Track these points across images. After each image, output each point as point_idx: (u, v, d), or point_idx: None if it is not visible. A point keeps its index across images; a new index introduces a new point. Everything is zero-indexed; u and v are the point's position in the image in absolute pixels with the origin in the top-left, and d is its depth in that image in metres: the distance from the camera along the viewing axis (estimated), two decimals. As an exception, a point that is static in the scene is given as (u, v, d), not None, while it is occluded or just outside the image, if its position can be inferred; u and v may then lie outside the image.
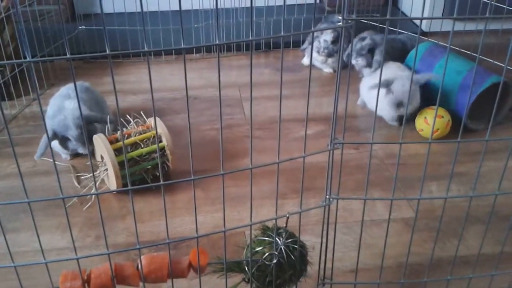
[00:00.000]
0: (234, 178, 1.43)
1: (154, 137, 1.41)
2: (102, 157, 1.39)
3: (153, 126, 1.44)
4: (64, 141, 1.48)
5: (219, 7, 2.25)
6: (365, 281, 1.08)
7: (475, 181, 0.93)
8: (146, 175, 1.39)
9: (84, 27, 2.27)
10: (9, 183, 1.42)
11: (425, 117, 1.60)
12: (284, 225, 0.87)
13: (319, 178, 1.42)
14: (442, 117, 1.58)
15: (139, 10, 2.14)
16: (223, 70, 2.09)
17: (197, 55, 2.24)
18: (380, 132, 1.70)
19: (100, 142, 1.34)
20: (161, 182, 0.71)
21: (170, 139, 1.41)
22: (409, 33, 2.13)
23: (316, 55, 2.02)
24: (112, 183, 1.35)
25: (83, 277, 0.75)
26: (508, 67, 1.93)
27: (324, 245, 0.89)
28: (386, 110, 1.66)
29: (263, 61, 2.21)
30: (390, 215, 0.88)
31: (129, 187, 0.69)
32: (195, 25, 2.22)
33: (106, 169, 1.37)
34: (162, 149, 1.42)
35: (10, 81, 1.80)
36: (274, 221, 0.87)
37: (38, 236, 0.73)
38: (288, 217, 0.84)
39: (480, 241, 1.20)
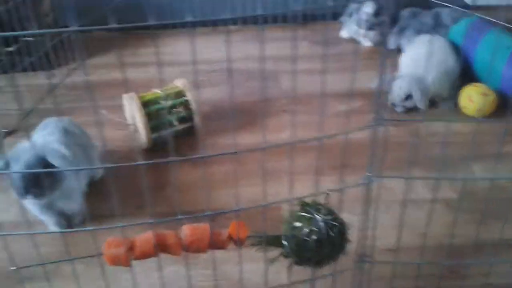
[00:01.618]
0: (269, 152, 1.42)
1: (178, 92, 1.46)
2: (132, 117, 1.42)
3: (185, 93, 1.47)
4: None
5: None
6: (404, 260, 1.06)
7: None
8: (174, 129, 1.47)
9: (122, -2, 2.27)
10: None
11: (469, 95, 1.54)
12: (324, 202, 0.86)
13: (356, 155, 1.39)
14: (487, 95, 1.52)
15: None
16: (258, 43, 2.06)
17: (234, 27, 2.21)
18: (420, 110, 1.65)
19: (132, 103, 1.39)
20: (200, 155, 0.71)
21: (194, 94, 1.46)
22: (451, 6, 2.04)
23: (356, 28, 1.96)
24: (143, 139, 1.41)
25: (127, 244, 0.77)
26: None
27: (364, 223, 0.88)
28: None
29: (300, 34, 2.17)
30: (436, 195, 0.85)
31: (171, 158, 0.69)
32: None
33: (136, 129, 1.43)
34: (186, 104, 1.46)
35: (51, 50, 1.83)
36: (313, 197, 0.87)
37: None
38: (327, 194, 0.83)
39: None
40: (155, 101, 1.44)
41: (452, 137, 1.49)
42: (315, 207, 0.88)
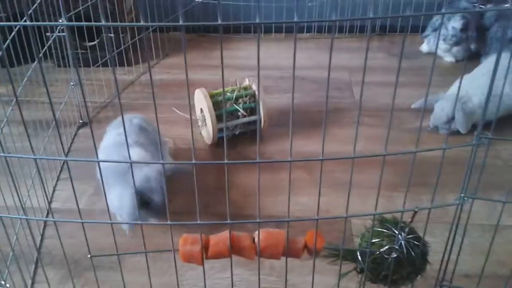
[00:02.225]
0: (341, 163, 1.39)
1: (245, 87, 1.48)
2: (201, 110, 1.44)
3: (251, 86, 1.49)
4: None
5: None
6: (484, 289, 0.99)
7: None
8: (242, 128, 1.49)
9: (200, 0, 2.31)
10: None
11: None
12: (409, 220, 0.81)
13: (431, 174, 1.33)
14: None
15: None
16: (333, 52, 2.03)
17: (307, 34, 2.20)
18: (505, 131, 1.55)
19: (200, 95, 1.41)
20: (258, 160, 0.69)
21: (266, 101, 1.46)
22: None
23: (441, 43, 1.88)
24: (209, 135, 1.43)
25: (203, 242, 0.76)
26: None
27: (449, 246, 0.83)
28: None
29: (376, 45, 2.11)
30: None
31: (225, 161, 0.68)
32: (309, 4, 2.17)
33: (205, 122, 1.45)
34: (253, 95, 1.47)
35: (130, 48, 1.89)
36: (394, 214, 0.82)
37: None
38: (416, 212, 0.78)
39: None
40: (221, 93, 1.46)
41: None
42: (396, 224, 0.83)
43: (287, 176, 1.34)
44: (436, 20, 1.96)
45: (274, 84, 1.83)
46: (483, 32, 1.86)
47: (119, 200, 1.01)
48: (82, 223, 0.73)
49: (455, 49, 1.87)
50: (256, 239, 0.78)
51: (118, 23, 1.86)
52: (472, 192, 0.78)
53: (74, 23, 1.23)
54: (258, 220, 0.73)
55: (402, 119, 1.61)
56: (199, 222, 0.72)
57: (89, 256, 0.75)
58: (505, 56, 0.73)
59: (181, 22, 0.59)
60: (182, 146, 1.50)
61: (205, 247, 0.78)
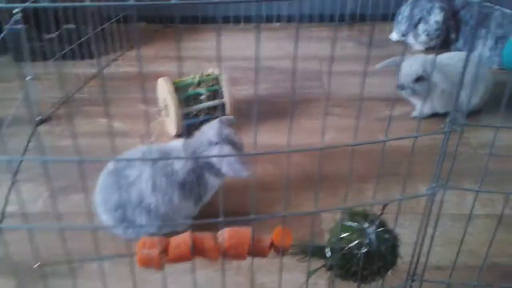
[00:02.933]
0: (310, 155, 1.35)
1: (208, 74, 1.43)
2: (165, 100, 1.40)
3: (215, 73, 1.45)
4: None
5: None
6: (454, 280, 0.97)
7: None
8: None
9: (165, -10, 2.25)
10: (85, 141, 1.43)
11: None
12: (379, 212, 0.78)
13: (403, 163, 1.31)
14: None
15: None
16: (301, 41, 1.99)
17: (277, 24, 2.15)
18: (475, 119, 1.55)
19: (162, 83, 1.36)
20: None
21: (229, 85, 1.41)
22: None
23: (424, 38, 1.86)
24: (173, 123, 1.38)
25: (161, 245, 0.71)
26: None
27: (420, 238, 0.80)
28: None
29: (346, 34, 2.09)
30: (502, 211, 0.77)
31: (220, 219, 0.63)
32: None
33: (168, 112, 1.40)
34: (220, 92, 1.43)
35: (92, 39, 1.80)
36: (364, 206, 0.79)
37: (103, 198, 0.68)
38: (386, 205, 0.75)
39: None
40: (185, 80, 1.42)
41: (506, 150, 1.39)
42: (367, 217, 0.80)
43: (256, 170, 1.31)
44: (404, 9, 1.94)
45: (242, 75, 1.78)
46: (456, 17, 1.86)
47: None
48: (29, 229, 0.67)
49: (433, 41, 1.86)
50: (220, 239, 0.74)
51: (101, 3, 1.77)
52: (443, 181, 0.75)
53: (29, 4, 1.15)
54: (220, 219, 0.69)
55: (372, 108, 1.59)
56: (221, 219, 0.67)
57: (35, 265, 0.69)
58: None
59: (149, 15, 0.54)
60: (148, 140, 1.44)
61: (166, 250, 0.73)
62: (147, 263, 0.72)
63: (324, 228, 1.10)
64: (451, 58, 1.47)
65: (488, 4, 1.95)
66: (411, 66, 1.42)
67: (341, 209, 0.72)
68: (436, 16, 1.82)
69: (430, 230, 1.11)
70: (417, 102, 1.53)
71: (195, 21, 2.13)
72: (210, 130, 1.05)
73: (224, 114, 1.44)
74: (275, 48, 1.96)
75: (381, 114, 1.57)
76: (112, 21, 1.87)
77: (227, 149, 1.02)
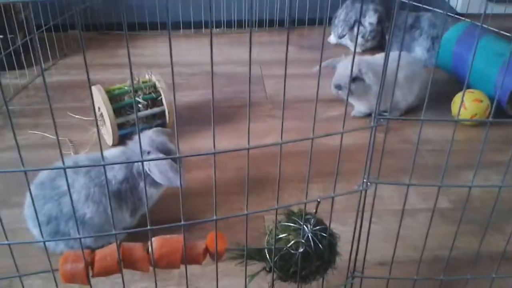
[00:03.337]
0: (253, 158, 1.33)
1: (145, 81, 1.39)
2: (99, 108, 1.34)
3: (151, 79, 1.40)
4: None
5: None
6: (398, 275, 0.97)
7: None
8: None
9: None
10: (15, 154, 1.34)
11: (463, 102, 1.47)
12: (314, 211, 0.77)
13: (343, 161, 1.31)
14: (481, 101, 1.45)
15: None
16: (242, 46, 1.98)
17: (217, 29, 2.13)
18: (411, 115, 1.58)
19: (95, 91, 1.30)
20: (178, 155, 0.62)
21: (168, 92, 1.37)
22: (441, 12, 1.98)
23: (360, 40, 1.89)
24: (109, 133, 1.33)
25: (86, 259, 0.67)
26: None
27: (357, 234, 0.79)
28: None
29: (285, 38, 2.09)
30: (435, 204, 0.77)
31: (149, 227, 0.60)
32: (216, -2, 2.12)
33: (104, 121, 1.34)
34: (159, 100, 1.38)
35: (21, 49, 1.71)
36: (300, 206, 0.77)
37: (36, 213, 0.63)
38: (319, 202, 0.74)
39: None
40: (119, 88, 1.37)
41: (444, 145, 1.42)
42: (303, 216, 0.79)
43: (197, 176, 1.28)
44: (340, 13, 1.97)
45: (184, 81, 1.74)
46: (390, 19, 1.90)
47: None
48: None
49: (369, 43, 1.90)
50: (149, 249, 0.70)
51: None
52: (375, 176, 0.74)
53: None
54: (148, 227, 0.65)
55: (313, 110, 1.59)
56: (149, 228, 0.63)
57: None
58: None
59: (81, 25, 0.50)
60: (82, 150, 1.37)
61: (92, 263, 0.68)
62: (71, 278, 0.67)
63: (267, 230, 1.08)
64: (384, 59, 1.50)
65: (418, 4, 2.02)
66: (347, 67, 1.43)
67: (272, 209, 0.69)
68: (370, 18, 1.86)
69: (373, 226, 1.12)
70: (354, 102, 1.55)
71: (132, 28, 2.07)
72: (143, 139, 1.01)
73: (164, 122, 1.39)
74: (216, 53, 1.93)
75: (322, 115, 1.58)
76: (42, 29, 1.79)
77: (164, 161, 0.99)
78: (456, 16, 2.12)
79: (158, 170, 0.97)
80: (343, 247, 0.85)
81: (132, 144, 1.03)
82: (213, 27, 2.09)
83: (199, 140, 1.43)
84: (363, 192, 0.75)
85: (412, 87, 1.51)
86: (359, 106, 1.55)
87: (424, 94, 1.56)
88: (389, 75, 1.42)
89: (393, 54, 1.56)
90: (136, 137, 1.05)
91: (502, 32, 1.92)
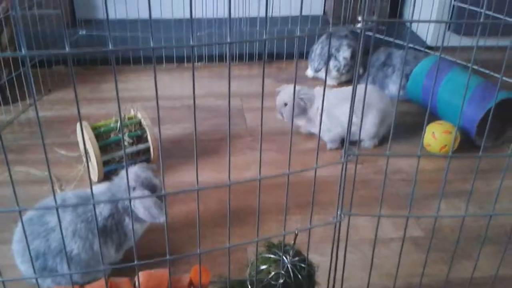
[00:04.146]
0: (234, 191, 1.38)
1: (130, 117, 1.43)
2: (84, 145, 1.37)
3: (137, 116, 1.44)
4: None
5: (220, 16, 2.22)
6: (373, 303, 1.02)
7: (495, 201, 0.87)
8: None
9: (84, 32, 2.23)
10: (1, 191, 1.37)
11: (433, 132, 1.55)
12: (292, 242, 0.82)
13: (321, 192, 1.38)
14: (450, 132, 1.54)
15: (141, 17, 2.10)
16: (223, 79, 2.05)
17: (199, 63, 2.20)
18: (385, 147, 1.65)
19: (83, 130, 1.33)
20: (164, 192, 0.66)
21: (152, 129, 1.41)
22: (414, 47, 2.09)
23: (335, 74, 1.99)
24: (95, 170, 1.36)
25: (75, 295, 0.70)
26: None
27: (333, 264, 0.84)
28: None
29: (265, 72, 2.17)
30: (405, 234, 0.83)
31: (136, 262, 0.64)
32: (198, 34, 2.19)
33: (89, 160, 1.38)
34: (144, 137, 1.42)
35: (7, 85, 1.75)
36: (280, 238, 0.82)
37: (29, 249, 0.67)
38: (297, 234, 0.79)
39: (490, 262, 1.15)
40: (105, 125, 1.40)
41: (419, 174, 1.49)
42: (282, 248, 0.83)
43: (181, 210, 1.32)
44: (316, 48, 2.06)
45: (166, 115, 1.79)
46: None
47: None
48: None
49: (343, 76, 2.00)
50: (136, 283, 0.74)
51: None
52: (348, 209, 0.80)
53: None
54: (135, 263, 0.69)
55: (293, 142, 1.65)
56: (136, 263, 0.66)
57: None
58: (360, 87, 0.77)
59: (67, 49, 0.55)
60: (69, 186, 1.40)
61: (81, 298, 0.72)
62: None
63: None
64: (341, 91, 1.64)
65: (389, 39, 2.13)
66: (281, 96, 1.63)
67: (252, 242, 0.74)
68: (344, 53, 1.96)
69: (349, 256, 1.17)
70: (323, 135, 1.62)
71: (115, 62, 2.12)
72: (128, 175, 1.05)
73: (149, 158, 1.44)
74: (197, 87, 1.99)
75: (300, 147, 1.64)
76: (28, 65, 1.82)
77: (145, 193, 1.03)
78: (426, 50, 2.24)
79: (143, 207, 1.00)
80: (322, 277, 0.89)
81: (118, 180, 1.07)
82: (195, 62, 2.17)
83: (182, 173, 1.47)
84: (338, 224, 0.80)
85: (370, 118, 1.58)
86: (325, 137, 1.62)
87: (392, 125, 1.65)
88: (334, 107, 1.56)
89: (359, 88, 1.67)
90: (122, 172, 1.10)
91: (469, 65, 2.03)
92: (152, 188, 1.05)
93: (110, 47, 0.56)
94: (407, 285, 1.11)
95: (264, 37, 0.60)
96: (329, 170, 1.47)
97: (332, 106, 1.58)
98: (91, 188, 0.64)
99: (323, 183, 1.37)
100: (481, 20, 0.70)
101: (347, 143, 0.75)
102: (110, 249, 1.02)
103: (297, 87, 1.62)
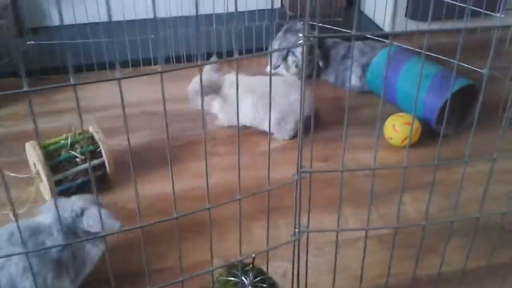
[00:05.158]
0: (197, 199, 1.35)
1: (80, 133, 1.38)
2: (35, 165, 1.32)
3: (90, 130, 1.38)
4: None
5: (180, 15, 2.16)
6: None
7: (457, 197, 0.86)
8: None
9: (33, 42, 2.14)
10: None
11: (393, 125, 1.55)
12: (251, 266, 0.79)
13: (287, 196, 1.35)
14: (410, 124, 1.53)
15: (90, 21, 2.02)
16: (182, 81, 1.99)
17: (156, 66, 2.13)
18: (349, 141, 1.63)
19: (29, 147, 1.29)
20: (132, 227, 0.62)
21: (106, 143, 1.37)
22: (372, 37, 2.08)
23: (293, 69, 1.96)
24: (47, 190, 1.30)
25: None
26: (475, 68, 1.92)
27: (295, 278, 0.82)
28: None
29: (226, 70, 2.12)
30: (365, 247, 0.81)
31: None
32: (152, 36, 2.12)
33: (40, 178, 1.32)
34: (98, 152, 1.36)
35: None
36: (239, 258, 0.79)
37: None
38: (254, 258, 0.76)
39: (458, 256, 1.15)
40: (55, 142, 1.34)
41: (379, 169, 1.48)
42: (243, 269, 0.80)
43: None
44: (274, 44, 2.03)
45: (123, 124, 1.73)
46: (323, 47, 1.98)
47: None
48: None
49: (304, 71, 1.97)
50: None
51: None
52: (305, 225, 0.77)
53: None
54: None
55: (255, 143, 1.62)
56: None
57: None
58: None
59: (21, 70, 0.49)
60: (21, 209, 1.33)
61: None
62: None
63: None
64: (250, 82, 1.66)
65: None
66: (196, 81, 1.65)
67: (207, 272, 0.71)
68: (300, 49, 1.93)
69: (314, 259, 1.14)
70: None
71: (66, 71, 2.03)
72: (76, 201, 1.01)
73: (105, 173, 1.38)
74: (155, 91, 1.92)
75: (260, 148, 1.61)
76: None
77: (96, 210, 0.99)
78: (383, 40, 2.23)
79: (97, 221, 0.98)
80: (287, 285, 0.86)
81: (66, 205, 1.02)
82: (152, 64, 2.10)
83: (143, 185, 1.42)
84: (297, 242, 0.77)
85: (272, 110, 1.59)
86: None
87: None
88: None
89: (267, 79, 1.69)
90: (61, 200, 1.04)
91: (426, 52, 2.03)
92: (99, 205, 1.01)
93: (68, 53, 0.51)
94: (375, 286, 1.10)
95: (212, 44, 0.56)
96: (294, 168, 1.45)
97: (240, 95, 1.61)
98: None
99: (289, 186, 1.34)
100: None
101: (300, 160, 0.72)
102: (65, 282, 0.97)
103: (207, 70, 1.66)
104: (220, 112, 1.69)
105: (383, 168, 1.50)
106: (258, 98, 1.61)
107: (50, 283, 0.93)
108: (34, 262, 0.93)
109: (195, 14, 0.49)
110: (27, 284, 0.92)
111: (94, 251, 1.02)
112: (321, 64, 1.94)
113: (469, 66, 1.93)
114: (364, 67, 1.85)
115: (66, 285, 0.97)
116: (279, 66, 1.98)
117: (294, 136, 1.65)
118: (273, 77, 1.55)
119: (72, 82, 0.51)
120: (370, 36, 2.07)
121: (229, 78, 1.65)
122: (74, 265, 0.98)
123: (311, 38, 0.63)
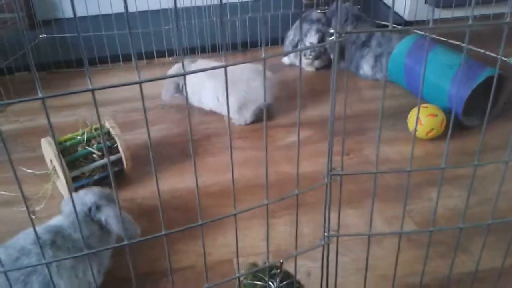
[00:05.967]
0: (216, 196, 1.31)
1: (96, 128, 1.34)
2: (51, 161, 1.30)
3: (106, 125, 1.35)
4: None
5: (191, 5, 2.11)
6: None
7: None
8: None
9: (45, 35, 2.11)
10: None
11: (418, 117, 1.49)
12: (278, 271, 0.75)
13: (310, 193, 1.30)
14: (436, 115, 1.47)
15: (102, 13, 1.98)
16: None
17: (170, 58, 2.10)
18: (370, 134, 1.59)
19: (45, 144, 1.27)
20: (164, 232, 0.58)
21: (122, 138, 1.33)
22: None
23: (303, 58, 1.91)
24: (64, 187, 1.28)
25: None
26: (502, 57, 1.84)
27: (324, 281, 0.78)
28: None
29: (240, 61, 2.08)
30: (398, 251, 0.76)
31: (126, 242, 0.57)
32: (166, 27, 2.08)
33: (57, 174, 1.30)
34: (114, 147, 1.33)
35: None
36: (266, 260, 0.75)
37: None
38: (282, 263, 0.72)
39: (487, 253, 1.09)
40: (71, 138, 1.31)
41: (403, 163, 1.43)
42: (269, 271, 0.77)
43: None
44: (290, 34, 1.98)
45: (139, 117, 1.70)
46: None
47: None
48: None
49: (316, 62, 1.91)
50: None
51: None
52: (335, 229, 0.73)
53: None
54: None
55: (273, 137, 1.58)
56: None
57: None
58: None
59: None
60: (38, 206, 1.31)
61: None
62: None
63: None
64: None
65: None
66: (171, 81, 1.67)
67: (234, 278, 0.67)
68: (311, 38, 1.88)
69: (341, 259, 1.10)
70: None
71: (80, 64, 2.00)
72: (87, 195, 0.99)
73: (122, 169, 1.35)
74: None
75: (282, 141, 1.56)
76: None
77: (114, 210, 0.96)
78: (402, 29, 2.16)
79: (117, 221, 0.95)
80: (314, 285, 0.83)
81: (78, 201, 1.00)
82: (166, 56, 2.06)
83: (160, 181, 1.39)
84: (326, 246, 0.73)
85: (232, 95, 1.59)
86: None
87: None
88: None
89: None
90: (80, 193, 1.02)
91: (450, 41, 1.96)
92: (115, 202, 0.99)
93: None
94: (404, 286, 1.06)
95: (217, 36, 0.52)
96: (315, 165, 1.40)
97: (202, 81, 1.63)
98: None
99: (309, 179, 1.30)
100: None
101: (331, 163, 0.67)
102: (91, 273, 0.95)
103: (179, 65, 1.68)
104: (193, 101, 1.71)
105: (419, 170, 1.46)
106: (218, 84, 1.61)
107: (81, 276, 0.91)
108: (66, 262, 0.91)
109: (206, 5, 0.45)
110: (62, 283, 0.89)
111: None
112: (332, 56, 1.89)
113: (493, 55, 1.86)
114: (377, 58, 1.81)
115: (91, 277, 0.95)
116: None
117: (253, 122, 1.65)
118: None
119: (90, 87, 0.47)
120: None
121: (194, 67, 1.63)
122: (97, 255, 0.97)
123: (343, 35, 0.58)
